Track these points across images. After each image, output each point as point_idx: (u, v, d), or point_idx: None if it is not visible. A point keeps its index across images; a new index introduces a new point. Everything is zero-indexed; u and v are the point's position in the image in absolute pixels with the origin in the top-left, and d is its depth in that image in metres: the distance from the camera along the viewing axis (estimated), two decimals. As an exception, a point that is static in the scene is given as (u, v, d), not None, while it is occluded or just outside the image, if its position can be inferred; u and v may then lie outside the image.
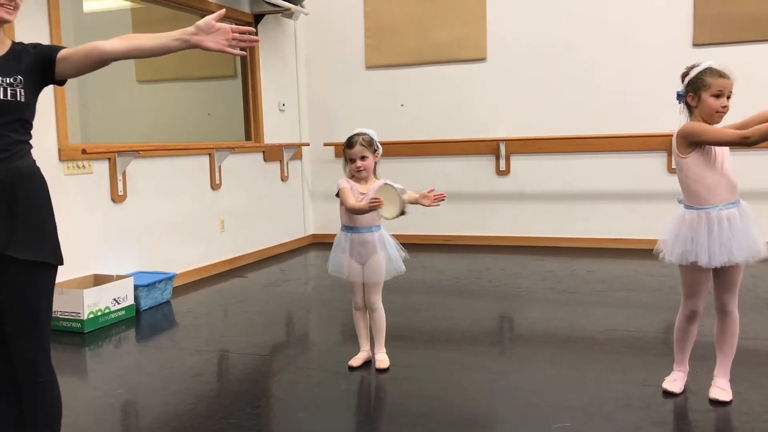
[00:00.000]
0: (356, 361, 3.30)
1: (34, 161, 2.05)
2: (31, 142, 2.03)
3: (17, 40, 2.07)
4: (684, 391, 2.84)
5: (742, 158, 2.82)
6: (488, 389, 3.02)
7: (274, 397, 3.08)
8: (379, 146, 3.21)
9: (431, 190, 3.06)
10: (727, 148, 2.64)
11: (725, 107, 2.60)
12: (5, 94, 1.89)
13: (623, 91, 6.17)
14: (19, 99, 1.93)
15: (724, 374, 2.79)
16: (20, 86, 1.93)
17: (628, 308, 4.29)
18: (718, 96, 2.59)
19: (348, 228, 3.19)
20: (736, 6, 5.87)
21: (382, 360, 3.27)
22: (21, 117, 1.95)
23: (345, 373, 3.24)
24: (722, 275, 2.70)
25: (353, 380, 3.18)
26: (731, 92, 2.60)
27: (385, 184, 3.05)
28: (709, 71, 2.62)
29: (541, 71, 6.44)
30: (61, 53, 2.01)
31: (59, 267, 2.06)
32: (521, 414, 2.74)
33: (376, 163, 3.21)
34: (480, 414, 2.76)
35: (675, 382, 2.85)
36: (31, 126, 2.02)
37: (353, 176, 3.18)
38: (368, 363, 3.32)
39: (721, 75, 2.60)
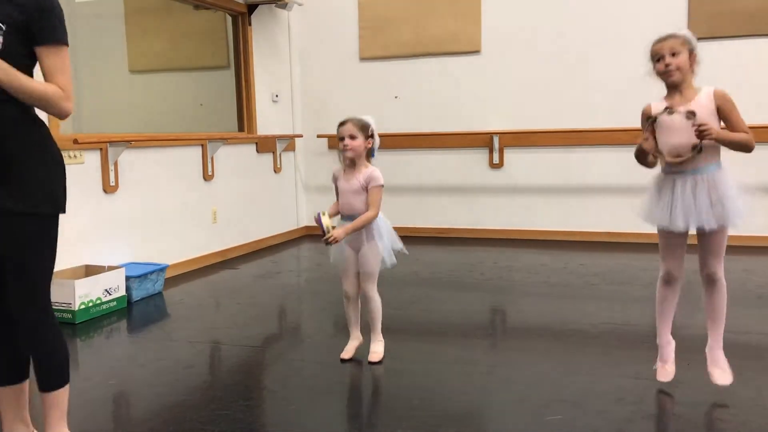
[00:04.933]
0: (347, 353, 3.29)
1: (24, 109, 1.97)
2: None
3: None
4: (675, 383, 2.84)
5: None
6: (481, 382, 3.02)
7: (266, 389, 3.08)
8: (376, 135, 3.17)
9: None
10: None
11: (667, 65, 2.61)
12: None
13: (617, 84, 6.16)
14: None
15: (718, 344, 2.79)
16: (0, 34, 1.84)
17: (620, 302, 4.29)
18: (658, 60, 2.65)
19: (346, 217, 3.19)
20: (731, 1, 5.87)
21: (376, 352, 3.26)
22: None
23: (337, 365, 3.24)
24: (703, 240, 2.70)
25: (345, 372, 3.17)
26: (675, 50, 2.59)
27: (317, 216, 3.08)
28: (652, 44, 2.67)
29: (536, 64, 6.43)
30: (38, 51, 1.92)
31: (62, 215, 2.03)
32: (513, 407, 2.74)
33: (369, 150, 3.16)
34: (472, 407, 2.76)
35: (663, 367, 2.84)
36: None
37: (343, 160, 3.17)
38: (360, 353, 3.30)
39: (656, 41, 2.66)
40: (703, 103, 2.60)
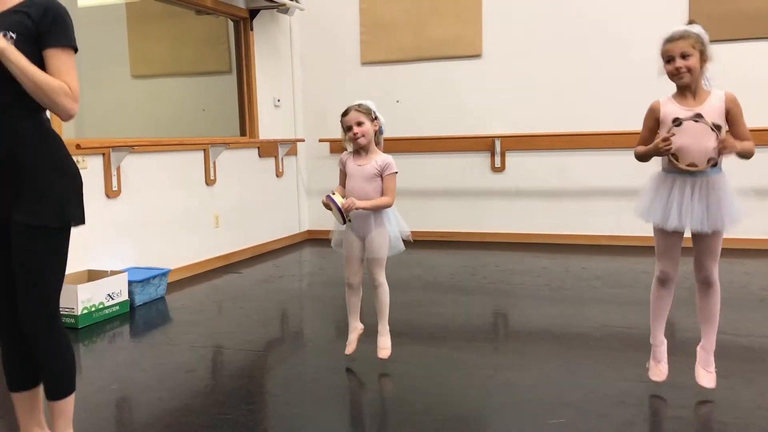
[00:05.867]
0: (350, 346, 3.28)
1: (41, 123, 1.98)
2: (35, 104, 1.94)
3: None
4: (677, 386, 2.84)
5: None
6: (483, 386, 3.02)
7: (268, 393, 3.08)
8: (380, 116, 3.10)
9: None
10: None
11: (678, 68, 2.60)
12: None
13: (618, 87, 6.17)
14: None
15: (711, 345, 2.79)
16: (11, 42, 1.84)
17: (622, 305, 4.30)
18: (668, 61, 2.63)
19: None
20: (731, 4, 5.88)
21: (385, 348, 3.23)
22: (10, 76, 1.85)
23: (340, 369, 3.24)
24: (699, 243, 2.70)
25: (348, 376, 3.18)
26: (685, 52, 2.58)
27: (328, 197, 3.00)
28: (663, 42, 2.65)
29: (537, 68, 6.44)
30: (46, 54, 1.91)
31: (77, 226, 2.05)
32: (516, 410, 2.74)
33: (377, 133, 3.10)
34: (475, 410, 2.77)
35: (656, 366, 2.84)
36: None
37: (353, 148, 3.09)
38: (367, 350, 3.29)
39: (667, 40, 2.64)
40: (714, 105, 2.62)
